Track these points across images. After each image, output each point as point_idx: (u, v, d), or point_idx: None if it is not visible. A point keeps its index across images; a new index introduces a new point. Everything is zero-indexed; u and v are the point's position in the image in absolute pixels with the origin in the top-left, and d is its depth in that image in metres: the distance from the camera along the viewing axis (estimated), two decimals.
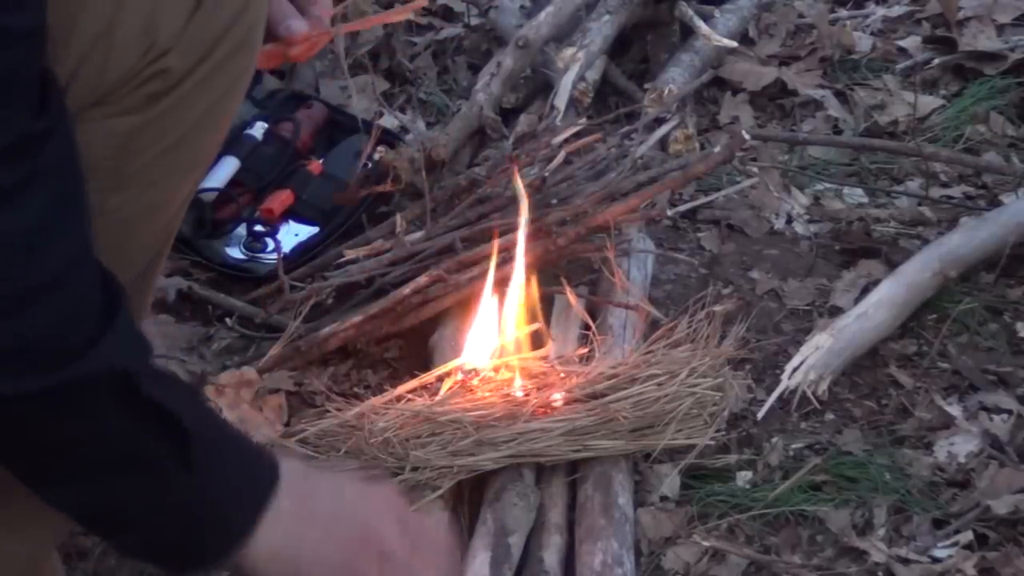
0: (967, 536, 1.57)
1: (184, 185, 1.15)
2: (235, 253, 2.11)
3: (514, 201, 1.96)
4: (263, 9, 1.15)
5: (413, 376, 1.77)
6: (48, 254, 0.93)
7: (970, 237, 2.02)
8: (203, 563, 1.06)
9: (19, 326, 0.92)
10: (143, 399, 0.98)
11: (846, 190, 2.31)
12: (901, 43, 2.75)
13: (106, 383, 0.96)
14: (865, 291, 1.98)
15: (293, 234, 2.13)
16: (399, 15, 1.59)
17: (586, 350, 1.78)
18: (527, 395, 1.67)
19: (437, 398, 1.68)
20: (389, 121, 2.50)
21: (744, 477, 1.70)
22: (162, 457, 1.00)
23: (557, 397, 1.66)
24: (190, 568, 1.07)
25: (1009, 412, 1.79)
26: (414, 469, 1.58)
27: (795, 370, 1.81)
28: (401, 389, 1.71)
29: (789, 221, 2.23)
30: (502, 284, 1.82)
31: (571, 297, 1.85)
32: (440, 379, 1.72)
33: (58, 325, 0.94)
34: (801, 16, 2.88)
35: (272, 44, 1.25)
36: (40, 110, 0.94)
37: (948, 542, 1.57)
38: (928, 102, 2.51)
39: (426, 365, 1.84)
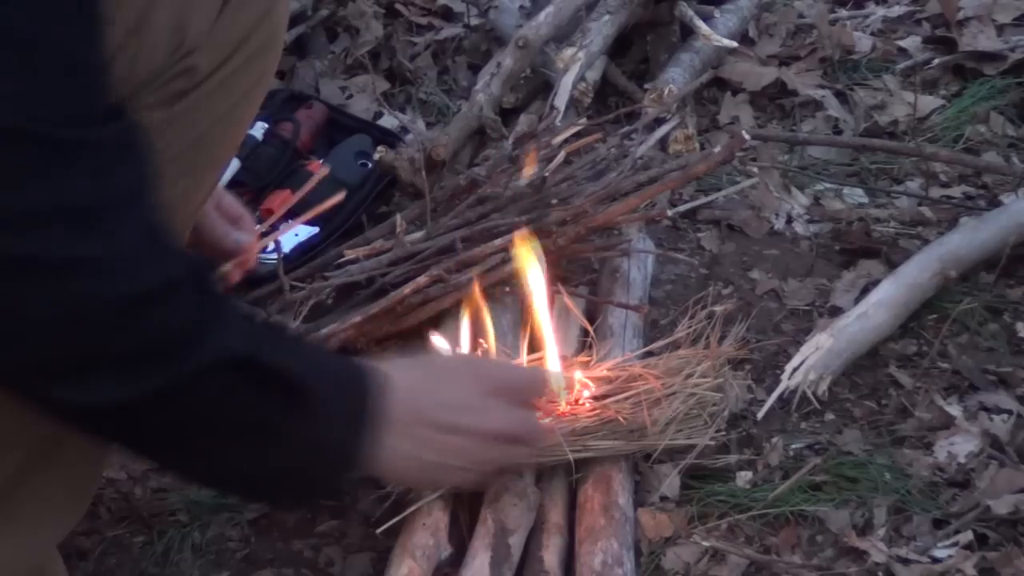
0: (967, 536, 1.57)
1: (204, 184, 1.15)
2: None
3: (514, 202, 1.97)
4: (286, 12, 1.16)
5: None
6: (157, 260, 0.96)
7: (970, 237, 2.02)
8: (324, 489, 1.14)
9: (141, 328, 0.95)
10: (261, 372, 1.01)
11: (846, 190, 2.31)
12: (901, 43, 2.75)
13: (224, 367, 0.99)
14: (865, 291, 1.98)
15: (293, 234, 2.13)
16: (330, 203, 1.64)
17: (587, 358, 1.77)
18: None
19: None
20: (389, 121, 2.51)
21: (744, 477, 1.70)
22: (277, 414, 1.03)
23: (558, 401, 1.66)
24: (314, 498, 1.21)
25: (1009, 412, 1.78)
26: None
27: (795, 370, 1.81)
28: None
29: (789, 221, 2.23)
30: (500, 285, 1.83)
31: (569, 302, 1.85)
32: None
33: (158, 325, 0.96)
34: (801, 16, 2.88)
35: (233, 261, 1.31)
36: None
37: (948, 542, 1.57)
38: (928, 102, 2.51)
39: None
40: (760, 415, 1.78)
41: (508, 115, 2.44)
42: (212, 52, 1.07)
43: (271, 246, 2.03)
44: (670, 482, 1.67)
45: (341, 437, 1.08)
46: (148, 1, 1.01)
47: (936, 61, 2.64)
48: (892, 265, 2.02)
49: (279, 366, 1.02)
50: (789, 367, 1.82)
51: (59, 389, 0.95)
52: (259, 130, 2.27)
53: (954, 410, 1.79)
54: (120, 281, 0.94)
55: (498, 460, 1.22)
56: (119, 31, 1.00)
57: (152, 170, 0.98)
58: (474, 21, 2.84)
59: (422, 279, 1.86)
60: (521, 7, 2.79)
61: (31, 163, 0.89)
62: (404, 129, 2.48)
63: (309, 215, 1.44)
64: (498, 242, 1.89)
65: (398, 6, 2.94)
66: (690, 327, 1.84)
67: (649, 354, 1.80)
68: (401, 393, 1.11)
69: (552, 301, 1.75)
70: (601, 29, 2.50)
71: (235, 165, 2.19)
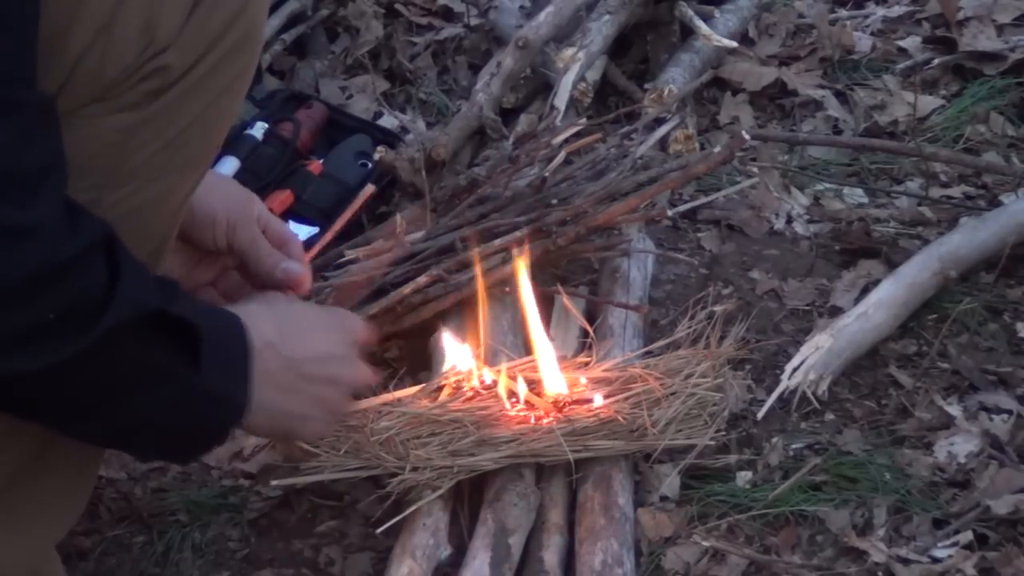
0: (967, 536, 1.57)
1: (183, 183, 1.15)
2: None
3: (512, 202, 1.97)
4: (263, 10, 1.16)
5: (413, 376, 1.77)
6: (67, 235, 0.97)
7: (970, 237, 2.02)
8: (213, 443, 1.16)
9: (49, 299, 0.96)
10: (167, 323, 1.04)
11: (846, 190, 2.31)
12: (901, 43, 2.75)
13: (135, 321, 1.01)
14: (865, 291, 1.98)
15: None
16: (377, 269, 1.69)
17: (587, 359, 1.77)
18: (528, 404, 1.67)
19: (438, 400, 1.68)
20: (389, 121, 2.51)
21: (744, 477, 1.70)
22: (179, 365, 1.06)
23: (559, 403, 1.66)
24: (201, 452, 1.18)
25: (1009, 412, 1.78)
26: (414, 469, 1.58)
27: (795, 370, 1.81)
28: (403, 393, 1.71)
29: (789, 221, 2.23)
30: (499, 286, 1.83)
31: (568, 304, 1.85)
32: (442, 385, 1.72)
33: (81, 288, 0.98)
34: (801, 16, 2.88)
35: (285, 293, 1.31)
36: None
37: (948, 542, 1.57)
38: (928, 102, 2.51)
39: (426, 365, 1.84)
40: (760, 415, 1.78)
41: (508, 115, 2.44)
42: (185, 51, 1.07)
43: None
44: (670, 482, 1.67)
45: (229, 387, 1.11)
46: (116, 0, 1.01)
47: (936, 61, 2.64)
48: (892, 265, 2.02)
49: (181, 315, 1.05)
50: (789, 367, 1.82)
51: None
52: (259, 130, 2.27)
53: (954, 410, 1.79)
54: (46, 249, 0.96)
55: (345, 410, 1.26)
56: (88, 28, 1.00)
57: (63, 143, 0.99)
58: (474, 21, 2.84)
59: (422, 279, 1.86)
60: (521, 7, 2.79)
61: None
62: (404, 129, 2.47)
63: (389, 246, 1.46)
64: (498, 242, 1.89)
65: (398, 6, 2.93)
66: (690, 327, 1.84)
67: (649, 354, 1.80)
68: (267, 342, 1.15)
69: (547, 304, 1.75)
70: (601, 29, 2.50)
71: (235, 165, 2.19)
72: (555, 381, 1.68)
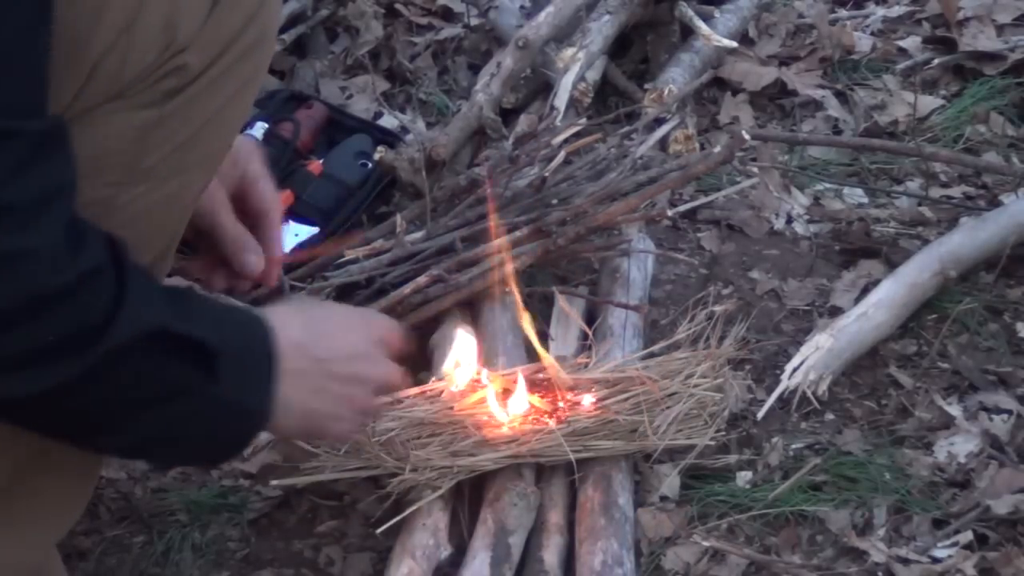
0: (967, 536, 1.57)
1: (196, 181, 1.15)
2: None
3: (512, 202, 1.97)
4: (277, 11, 1.16)
5: (413, 376, 1.76)
6: (65, 260, 0.97)
7: (970, 237, 2.02)
8: (237, 450, 1.17)
9: (45, 323, 0.96)
10: (174, 341, 1.04)
11: (846, 190, 2.31)
12: (901, 43, 2.75)
13: (140, 342, 1.01)
14: (865, 291, 1.98)
15: (293, 234, 2.13)
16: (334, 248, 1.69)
17: (586, 359, 1.76)
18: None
19: (439, 401, 1.68)
20: (389, 121, 2.51)
21: (744, 477, 1.70)
22: (194, 380, 1.06)
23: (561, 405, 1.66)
24: (225, 459, 1.21)
25: (1009, 412, 1.79)
26: (414, 469, 1.58)
27: (795, 370, 1.81)
28: (402, 394, 1.71)
29: (789, 221, 2.23)
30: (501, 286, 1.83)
31: (564, 306, 1.85)
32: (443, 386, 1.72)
33: (80, 311, 0.98)
34: (801, 16, 2.88)
35: (225, 274, 1.30)
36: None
37: (948, 542, 1.58)
38: (928, 102, 2.51)
39: (426, 365, 1.84)
40: (760, 415, 1.78)
41: (508, 115, 2.44)
42: (203, 50, 1.07)
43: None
44: (670, 482, 1.67)
45: (249, 396, 1.12)
46: (139, 0, 1.01)
47: (936, 61, 2.64)
48: (892, 265, 2.02)
49: (189, 333, 1.05)
50: (789, 367, 1.82)
51: None
52: (259, 130, 2.27)
53: (954, 410, 1.79)
54: (42, 274, 0.96)
55: (374, 409, 1.28)
56: (109, 30, 1.00)
57: (74, 166, 0.99)
58: (474, 21, 2.84)
59: (422, 279, 1.86)
60: (521, 7, 2.79)
61: None
62: (404, 129, 2.47)
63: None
64: (498, 242, 1.89)
65: (398, 6, 2.93)
66: (690, 327, 1.84)
67: (650, 355, 1.80)
68: (295, 343, 1.15)
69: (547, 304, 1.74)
70: (601, 29, 2.50)
71: None
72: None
